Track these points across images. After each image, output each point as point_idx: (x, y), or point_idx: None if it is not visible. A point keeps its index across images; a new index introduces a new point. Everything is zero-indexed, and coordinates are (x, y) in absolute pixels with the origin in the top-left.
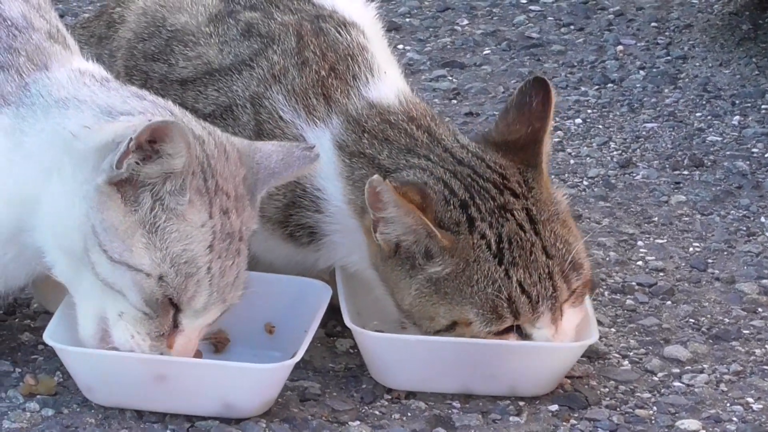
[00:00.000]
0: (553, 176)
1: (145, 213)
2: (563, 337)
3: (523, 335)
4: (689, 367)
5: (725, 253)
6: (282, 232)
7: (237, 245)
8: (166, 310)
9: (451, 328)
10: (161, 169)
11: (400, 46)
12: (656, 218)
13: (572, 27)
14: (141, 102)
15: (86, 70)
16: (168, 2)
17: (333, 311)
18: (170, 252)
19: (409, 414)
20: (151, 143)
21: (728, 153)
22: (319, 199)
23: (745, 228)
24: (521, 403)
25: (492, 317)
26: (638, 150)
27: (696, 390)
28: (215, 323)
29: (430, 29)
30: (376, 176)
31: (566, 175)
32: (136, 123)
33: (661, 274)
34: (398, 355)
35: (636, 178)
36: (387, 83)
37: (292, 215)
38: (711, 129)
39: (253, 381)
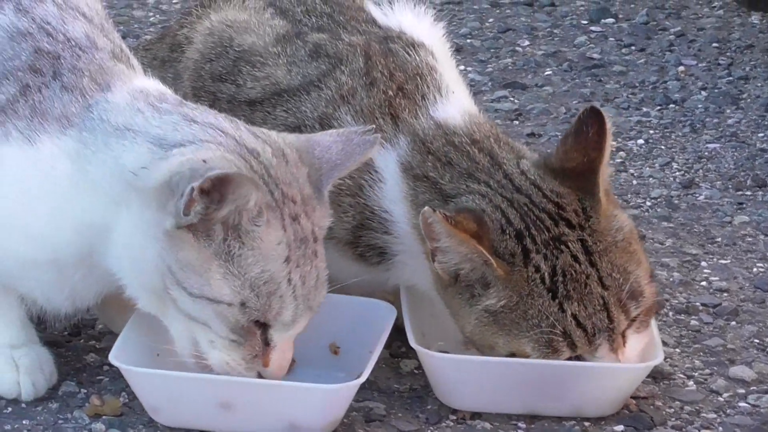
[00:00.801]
0: (615, 197)
1: (218, 244)
2: (626, 363)
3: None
4: (755, 388)
5: None
6: (352, 253)
7: (312, 247)
8: (252, 333)
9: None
10: (232, 209)
11: (462, 67)
12: (719, 239)
13: (633, 48)
14: (191, 128)
15: (143, 90)
16: (235, 23)
17: (398, 332)
18: (249, 277)
19: None
20: (215, 188)
21: None
22: (386, 221)
23: None
24: (586, 424)
25: (548, 351)
26: (701, 170)
27: (762, 410)
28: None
29: (492, 50)
30: (427, 208)
31: (629, 195)
32: (191, 159)
33: (725, 294)
34: (463, 375)
35: (699, 198)
36: (454, 103)
37: (362, 236)
38: None
39: (319, 401)
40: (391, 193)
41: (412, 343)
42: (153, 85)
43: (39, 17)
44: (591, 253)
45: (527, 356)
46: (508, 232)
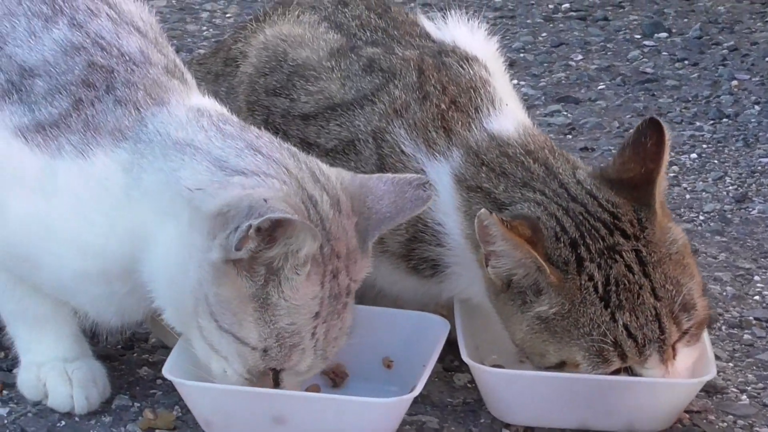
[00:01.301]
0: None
1: (258, 288)
2: (675, 376)
3: (635, 374)
4: None
5: None
6: (405, 266)
7: (344, 301)
8: (266, 374)
9: (560, 367)
10: (282, 251)
11: (515, 81)
12: None
13: (686, 62)
14: (255, 158)
15: (205, 109)
16: (289, 37)
17: (451, 346)
18: (277, 327)
19: None
20: (271, 230)
21: None
22: (439, 233)
23: None
24: None
25: (598, 361)
26: (754, 185)
27: None
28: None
29: (545, 64)
30: (483, 210)
31: (682, 210)
32: (251, 195)
33: None
34: (515, 390)
35: (752, 212)
36: (507, 115)
37: (415, 249)
38: None
39: (372, 415)
40: (445, 205)
41: (465, 358)
42: (211, 104)
43: (93, 32)
44: (645, 264)
45: (577, 364)
46: (562, 240)
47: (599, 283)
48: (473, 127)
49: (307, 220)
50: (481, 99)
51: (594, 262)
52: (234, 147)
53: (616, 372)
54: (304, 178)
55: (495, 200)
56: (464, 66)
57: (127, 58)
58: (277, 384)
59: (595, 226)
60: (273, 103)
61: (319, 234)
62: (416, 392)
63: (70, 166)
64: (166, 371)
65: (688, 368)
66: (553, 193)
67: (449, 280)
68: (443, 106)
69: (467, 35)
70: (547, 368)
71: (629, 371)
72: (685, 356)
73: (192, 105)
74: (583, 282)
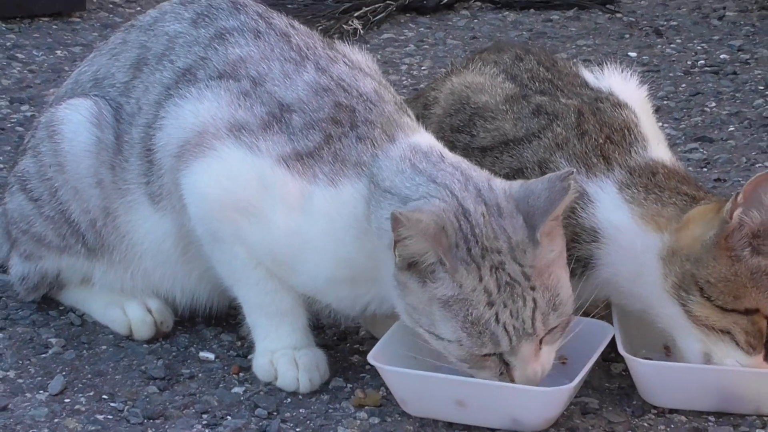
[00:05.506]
0: None
1: (430, 290)
2: None
3: None
4: None
5: None
6: None
7: (526, 285)
8: (486, 359)
9: (747, 314)
10: (407, 252)
11: (660, 124)
12: None
13: None
14: (428, 186)
15: (415, 146)
16: (472, 84)
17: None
18: (459, 319)
19: (672, 426)
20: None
21: None
22: (596, 231)
23: None
24: (766, 419)
25: None
26: None
27: None
28: (559, 339)
29: (684, 110)
30: None
31: None
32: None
33: None
34: (661, 379)
35: None
36: (662, 149)
37: (569, 250)
38: None
39: (536, 401)
40: (607, 206)
41: (621, 351)
42: (426, 140)
43: (336, 75)
44: None
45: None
46: None
47: None
48: (632, 153)
49: (453, 228)
50: (634, 137)
51: None
52: (417, 183)
53: None
54: (465, 196)
55: (686, 194)
56: (617, 111)
57: (365, 98)
58: (506, 365)
59: None
60: (456, 138)
61: (447, 236)
62: (573, 383)
63: (324, 193)
64: (371, 358)
65: None
66: None
67: (597, 272)
68: (600, 140)
69: (621, 84)
70: (733, 310)
71: None
72: None
73: (410, 142)
74: None
